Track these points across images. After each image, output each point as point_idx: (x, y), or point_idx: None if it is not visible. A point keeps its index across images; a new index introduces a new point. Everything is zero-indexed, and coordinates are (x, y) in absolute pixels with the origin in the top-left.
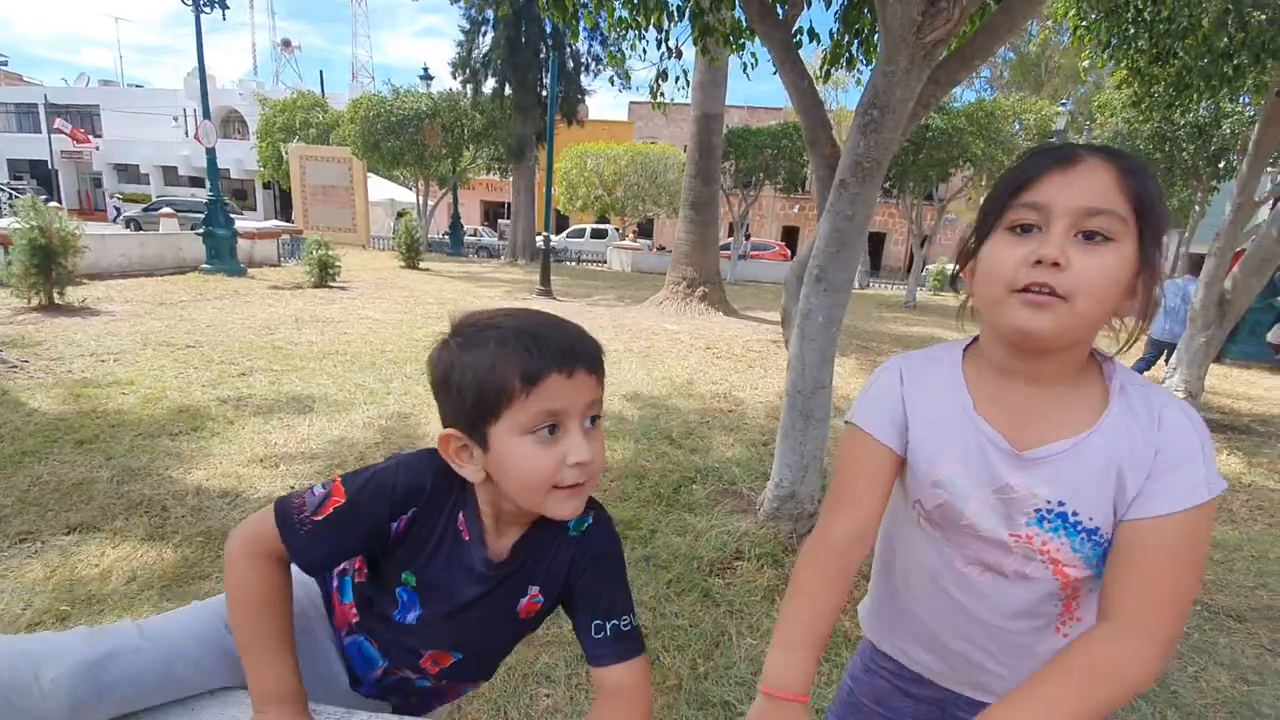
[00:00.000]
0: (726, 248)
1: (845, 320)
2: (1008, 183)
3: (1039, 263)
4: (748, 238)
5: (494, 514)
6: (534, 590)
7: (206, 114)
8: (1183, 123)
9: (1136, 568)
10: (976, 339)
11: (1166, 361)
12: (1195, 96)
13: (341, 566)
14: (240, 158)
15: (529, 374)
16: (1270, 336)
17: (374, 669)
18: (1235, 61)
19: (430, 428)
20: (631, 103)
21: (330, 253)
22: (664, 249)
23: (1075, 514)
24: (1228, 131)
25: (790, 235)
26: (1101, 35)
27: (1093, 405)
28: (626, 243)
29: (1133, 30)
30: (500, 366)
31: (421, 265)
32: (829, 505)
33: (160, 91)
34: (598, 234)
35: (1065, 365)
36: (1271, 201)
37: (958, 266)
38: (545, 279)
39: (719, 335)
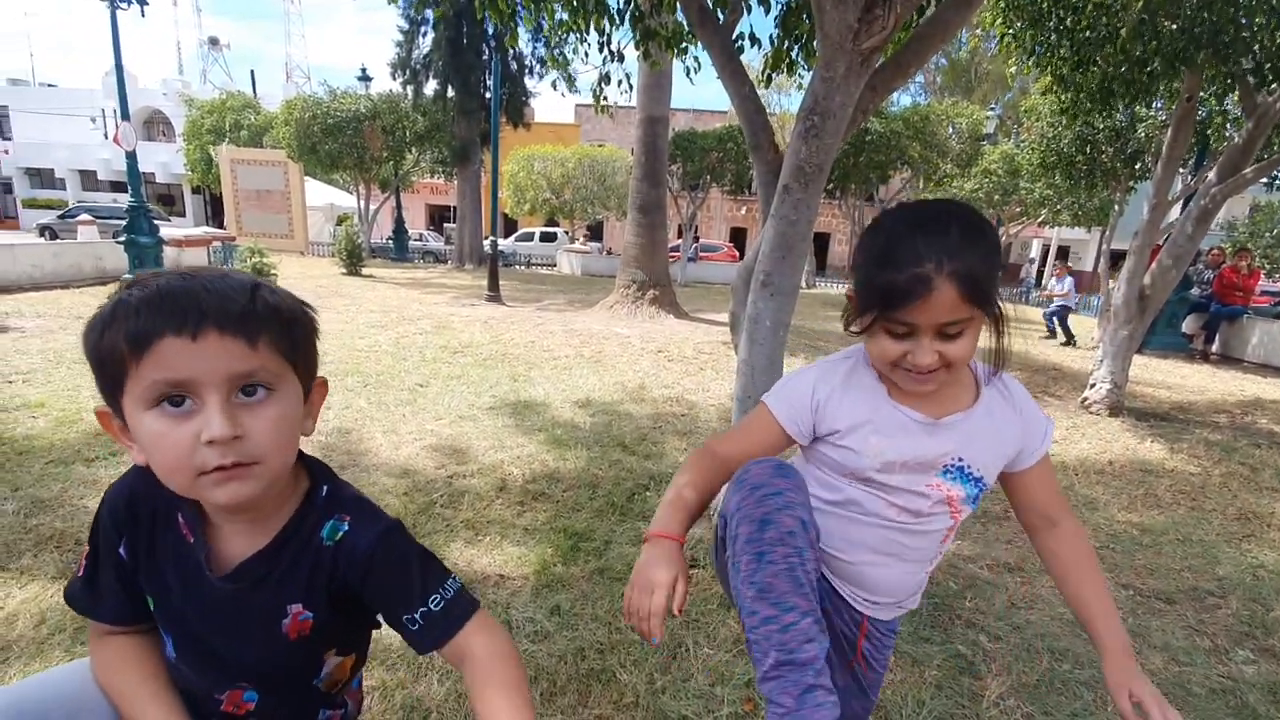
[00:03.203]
0: (676, 250)
1: (793, 320)
2: (883, 295)
3: (908, 355)
4: (696, 240)
5: (210, 508)
6: (295, 608)
7: (125, 115)
8: (1102, 127)
9: (1041, 491)
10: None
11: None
12: (1117, 102)
13: None
14: (166, 161)
15: (135, 336)
16: (1185, 327)
17: None
18: (1149, 69)
19: (374, 443)
20: (578, 105)
21: (265, 260)
22: (613, 252)
23: (970, 467)
24: (1143, 135)
25: (739, 236)
26: (1026, 43)
27: (970, 390)
28: (576, 246)
29: (1055, 38)
30: (112, 329)
31: (364, 272)
32: (726, 438)
33: (76, 91)
34: (547, 237)
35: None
36: (1182, 201)
37: (845, 317)
38: (494, 284)
39: (670, 338)
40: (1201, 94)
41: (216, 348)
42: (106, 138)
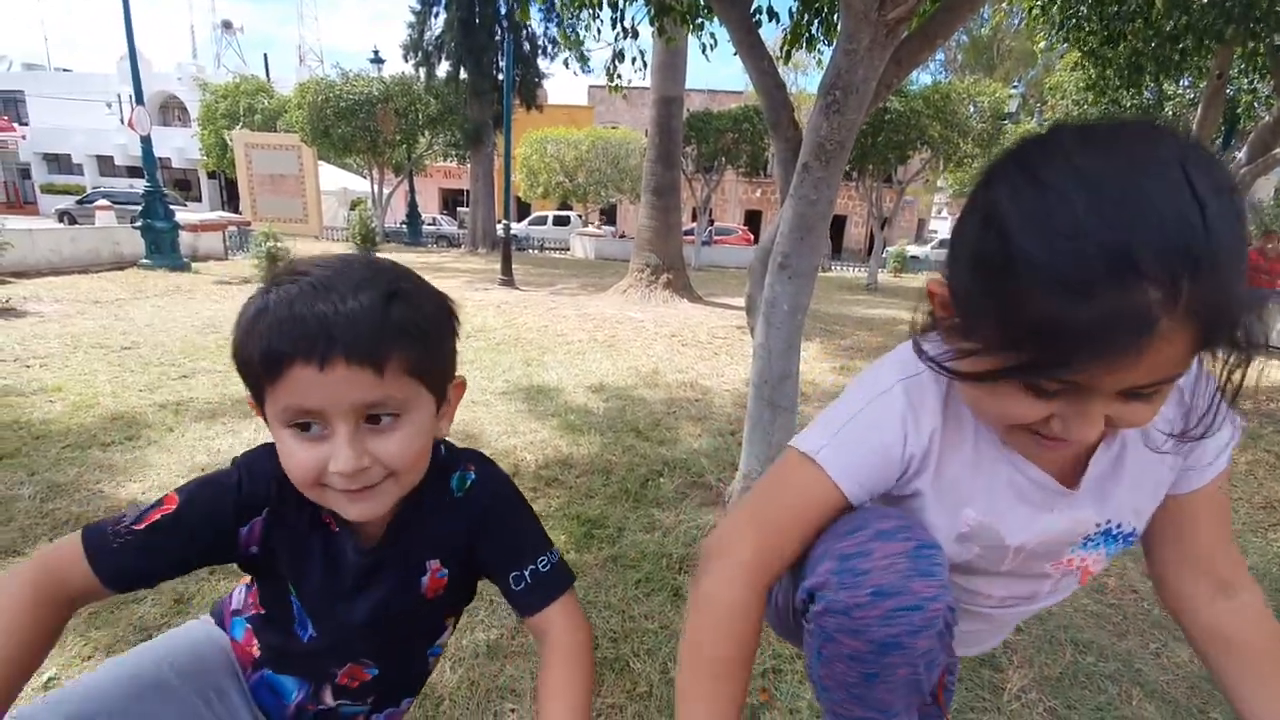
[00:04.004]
0: (690, 233)
1: (809, 304)
2: (1043, 339)
3: (1053, 420)
4: (711, 223)
5: None
6: (434, 564)
7: (140, 99)
8: (1130, 105)
9: (1207, 532)
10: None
11: None
12: (1147, 79)
13: (234, 607)
14: (182, 146)
15: (268, 359)
16: None
17: (287, 704)
18: (1180, 44)
19: None
20: (591, 87)
21: (280, 244)
22: (627, 236)
23: (1119, 526)
24: (1170, 114)
25: (753, 219)
26: (1054, 16)
27: None
28: (590, 229)
29: (1084, 10)
30: (250, 340)
31: (378, 256)
32: (748, 526)
33: (91, 76)
34: (560, 221)
35: None
36: None
37: (922, 329)
38: (506, 268)
39: (684, 322)
40: (1231, 72)
41: (344, 377)
42: (122, 123)
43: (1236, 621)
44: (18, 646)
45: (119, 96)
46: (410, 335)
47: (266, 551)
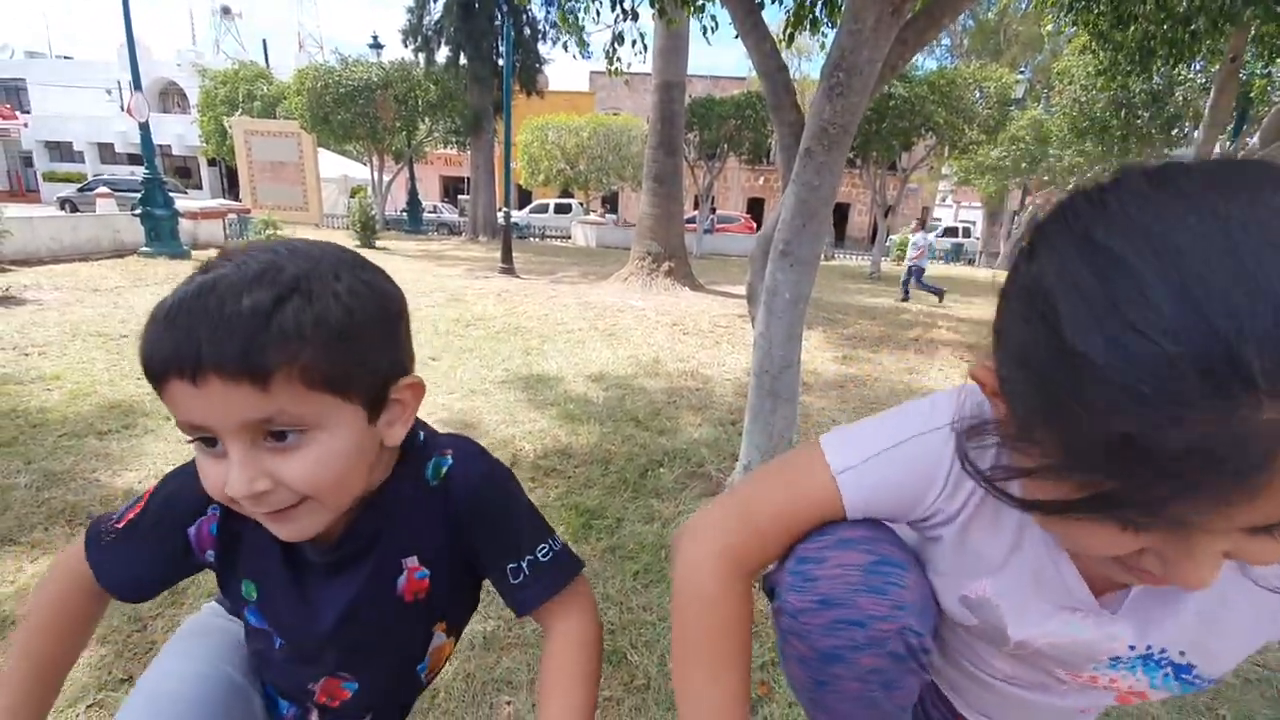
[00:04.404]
0: (692, 221)
1: (812, 293)
2: (1133, 465)
3: (1146, 556)
4: (713, 210)
5: None
6: (411, 563)
7: (138, 86)
8: (1139, 90)
9: None
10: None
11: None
12: (1158, 63)
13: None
14: (182, 133)
15: (147, 371)
16: None
17: (283, 717)
18: (1192, 27)
19: None
20: (592, 73)
21: (279, 232)
22: (629, 223)
23: (1163, 650)
24: (1181, 99)
25: (756, 207)
26: None
27: None
28: (591, 218)
29: None
30: (140, 346)
31: (378, 244)
32: (744, 520)
33: (92, 64)
34: (561, 209)
35: None
36: None
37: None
38: (507, 256)
39: (685, 311)
40: (1245, 55)
41: (220, 393)
42: (123, 110)
43: None
44: (54, 639)
45: (119, 83)
46: (307, 341)
47: (224, 549)
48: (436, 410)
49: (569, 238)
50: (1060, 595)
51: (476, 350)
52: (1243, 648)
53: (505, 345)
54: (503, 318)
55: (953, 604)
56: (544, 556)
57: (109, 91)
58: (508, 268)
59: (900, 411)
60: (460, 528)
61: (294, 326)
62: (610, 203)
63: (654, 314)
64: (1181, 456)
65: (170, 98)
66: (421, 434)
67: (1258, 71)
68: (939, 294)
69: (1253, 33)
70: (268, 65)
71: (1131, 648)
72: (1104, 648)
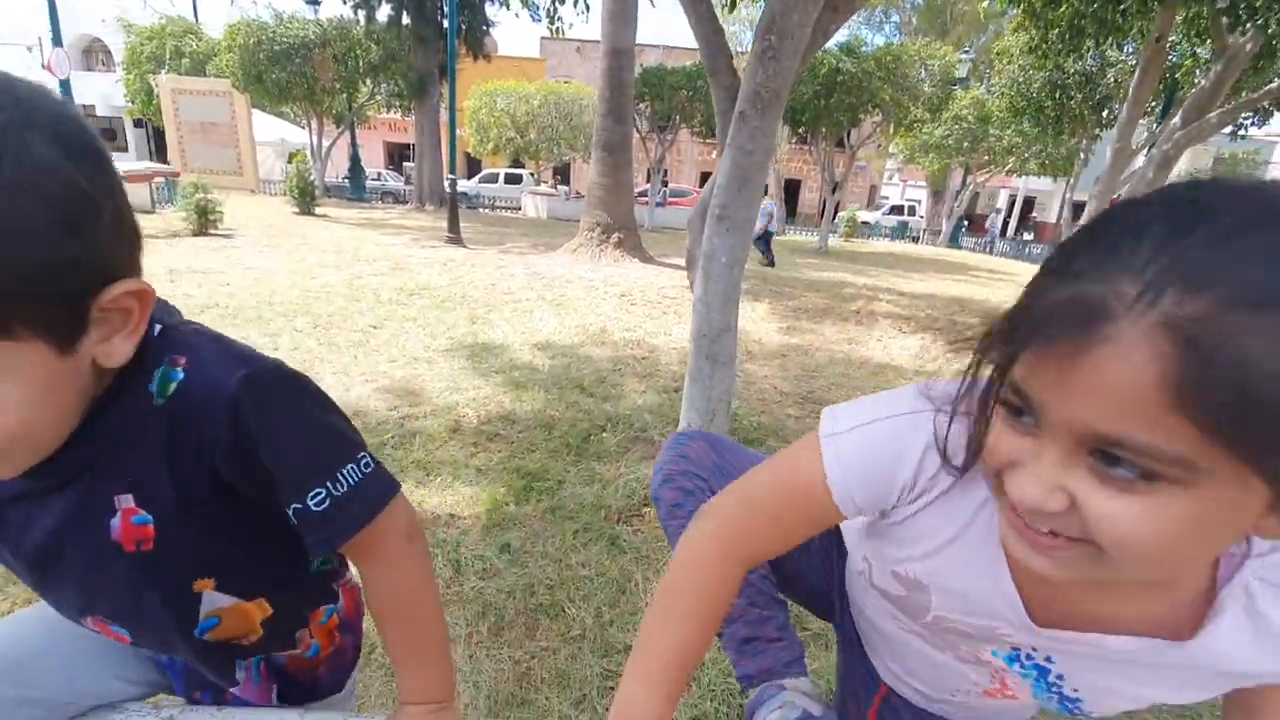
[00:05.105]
0: (644, 194)
1: (761, 269)
2: (1018, 316)
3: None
4: (665, 184)
5: None
6: (125, 503)
7: (58, 41)
8: (1072, 71)
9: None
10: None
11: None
12: (1088, 43)
13: None
14: (107, 92)
15: None
16: None
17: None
18: (1122, 6)
19: (323, 385)
20: (543, 39)
21: (210, 197)
22: (581, 195)
23: (1060, 677)
24: (1112, 81)
25: (708, 180)
26: None
27: (1183, 602)
28: (542, 188)
29: None
30: None
31: (318, 211)
32: (740, 509)
33: (11, 18)
34: (512, 179)
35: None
36: (1146, 149)
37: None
38: (454, 225)
39: (634, 282)
40: (1172, 37)
41: None
42: (42, 67)
43: None
44: None
45: (39, 39)
46: None
47: None
48: (377, 378)
49: (519, 209)
50: (989, 604)
51: (420, 319)
52: (1137, 702)
53: (450, 314)
54: (448, 287)
55: (885, 577)
56: (339, 490)
57: (30, 49)
58: (455, 237)
59: (897, 391)
60: (199, 459)
61: None
62: (562, 174)
63: (602, 284)
64: (1045, 306)
65: (95, 55)
66: (158, 328)
67: (1185, 54)
68: (771, 263)
69: (1183, 15)
70: (197, 20)
71: (1034, 649)
72: (1008, 638)
